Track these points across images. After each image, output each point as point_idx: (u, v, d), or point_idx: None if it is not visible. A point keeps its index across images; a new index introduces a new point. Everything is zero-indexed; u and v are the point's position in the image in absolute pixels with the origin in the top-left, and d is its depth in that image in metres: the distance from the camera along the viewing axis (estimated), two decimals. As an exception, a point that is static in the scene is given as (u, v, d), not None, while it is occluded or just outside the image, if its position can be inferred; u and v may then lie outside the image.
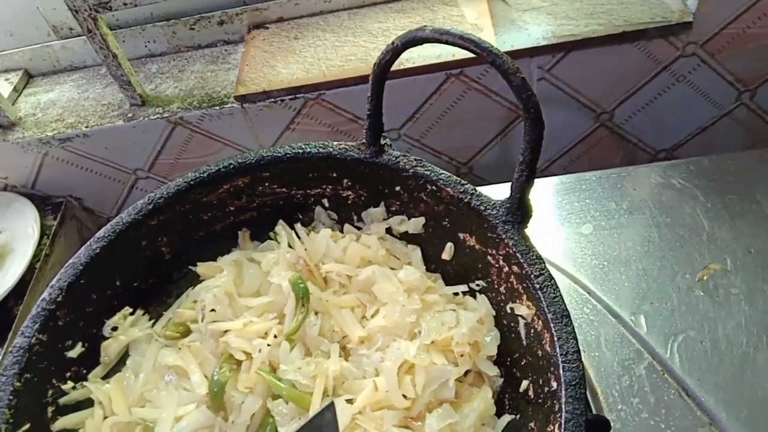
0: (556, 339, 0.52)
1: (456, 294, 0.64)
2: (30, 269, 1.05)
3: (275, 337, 0.61)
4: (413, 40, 0.55)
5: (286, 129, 1.07)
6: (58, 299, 0.60)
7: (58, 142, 1.08)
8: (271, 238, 0.71)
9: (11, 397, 0.55)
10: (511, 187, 0.57)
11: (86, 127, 1.07)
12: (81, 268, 0.62)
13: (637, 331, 0.69)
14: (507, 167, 1.14)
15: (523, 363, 0.57)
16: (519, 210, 0.57)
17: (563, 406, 0.49)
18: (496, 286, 0.61)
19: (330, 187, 0.70)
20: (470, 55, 0.53)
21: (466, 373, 0.59)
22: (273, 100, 1.02)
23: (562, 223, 0.81)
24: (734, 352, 0.66)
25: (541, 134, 0.54)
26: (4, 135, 1.10)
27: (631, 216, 0.79)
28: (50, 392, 0.59)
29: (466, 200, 0.61)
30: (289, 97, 1.02)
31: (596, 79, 1.01)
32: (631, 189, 0.81)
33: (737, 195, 0.79)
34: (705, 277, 0.72)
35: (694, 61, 0.98)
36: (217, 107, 1.03)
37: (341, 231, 0.70)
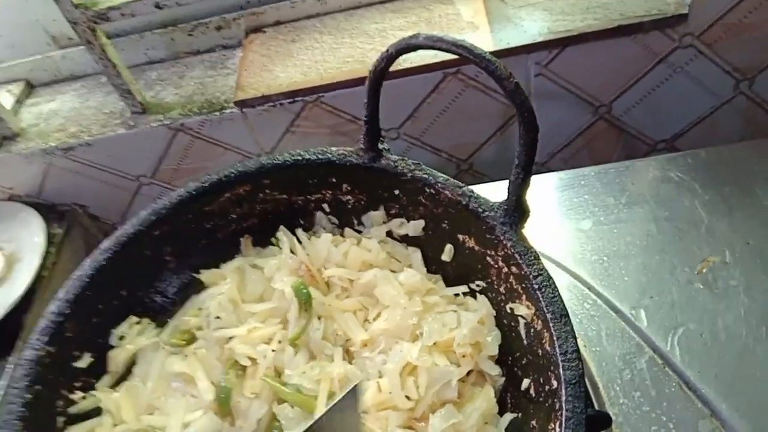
0: (555, 338, 0.53)
1: (456, 295, 0.65)
2: (37, 277, 1.07)
3: (279, 342, 0.62)
4: (407, 47, 0.56)
5: (286, 132, 1.07)
6: (66, 311, 0.61)
7: (62, 151, 1.09)
8: (273, 244, 0.72)
9: (22, 409, 0.56)
10: (508, 188, 0.58)
11: (89, 136, 1.08)
12: (87, 280, 0.63)
13: (637, 325, 0.70)
14: (507, 162, 1.12)
15: (524, 362, 0.58)
16: (516, 211, 0.58)
17: (564, 405, 0.50)
18: (496, 287, 0.62)
19: (330, 192, 0.70)
20: (466, 55, 0.54)
21: (469, 373, 0.60)
22: (272, 104, 1.03)
23: (561, 219, 0.82)
24: (734, 344, 0.67)
25: (535, 138, 0.55)
26: (7, 146, 1.11)
27: (630, 210, 0.79)
28: (60, 403, 0.60)
29: (464, 203, 0.62)
30: (288, 100, 1.02)
31: (593, 73, 1.01)
32: (629, 183, 0.82)
33: (735, 187, 0.79)
34: (704, 270, 0.73)
35: (690, 53, 0.98)
36: (218, 113, 1.04)
37: (342, 235, 0.71)
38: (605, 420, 0.55)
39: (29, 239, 1.11)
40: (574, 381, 0.50)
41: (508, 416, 0.58)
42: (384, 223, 0.70)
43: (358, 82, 1.00)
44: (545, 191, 0.85)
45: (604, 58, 0.99)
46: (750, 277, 0.71)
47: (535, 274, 0.56)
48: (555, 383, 0.52)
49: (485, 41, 0.98)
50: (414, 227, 0.68)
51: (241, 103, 1.03)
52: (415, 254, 0.68)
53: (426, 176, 0.64)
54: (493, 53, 1.01)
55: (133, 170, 1.14)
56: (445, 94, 1.03)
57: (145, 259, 0.67)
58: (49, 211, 1.17)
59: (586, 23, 0.95)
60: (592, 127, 1.11)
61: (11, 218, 1.15)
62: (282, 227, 0.71)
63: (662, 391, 0.66)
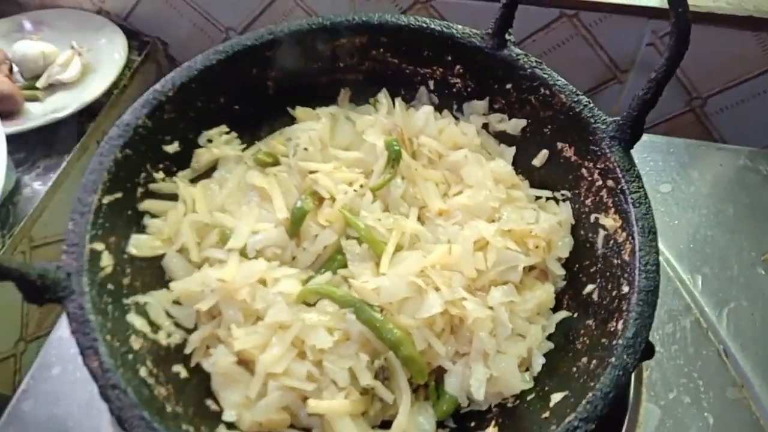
0: (638, 250, 0.53)
1: (538, 198, 0.66)
2: (106, 94, 1.08)
3: (361, 186, 0.63)
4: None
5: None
6: (169, 93, 0.62)
7: (165, -22, 1.09)
8: (369, 104, 0.72)
9: (111, 164, 0.57)
10: (630, 104, 0.58)
11: (196, -29, 1.08)
12: (195, 73, 0.64)
13: (691, 288, 0.71)
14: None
15: (592, 270, 0.59)
16: (630, 128, 0.58)
17: (633, 307, 0.51)
18: (582, 198, 0.62)
19: (441, 69, 0.70)
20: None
21: (532, 269, 0.61)
22: (385, -8, 1.02)
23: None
24: (782, 331, 0.68)
25: (682, 53, 0.54)
26: (115, -42, 1.11)
27: (712, 187, 0.80)
28: (143, 175, 0.61)
29: (577, 110, 0.62)
30: (401, -7, 1.02)
31: (704, 60, 1.00)
32: (717, 164, 0.82)
33: (820, 196, 0.79)
34: (770, 260, 0.73)
35: (806, 68, 0.97)
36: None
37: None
38: (649, 348, 0.56)
39: (110, 54, 1.12)
40: (649, 289, 0.51)
41: (563, 313, 0.59)
42: (484, 114, 0.70)
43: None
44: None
45: (720, 47, 0.98)
46: (813, 278, 0.72)
47: (634, 190, 0.57)
48: (626, 289, 0.53)
49: (611, -8, 0.97)
50: (514, 125, 0.68)
51: (355, -17, 1.02)
52: (508, 151, 0.68)
53: (546, 76, 0.64)
54: (613, 5, 1.01)
55: (226, 20, 1.14)
56: (552, 36, 1.02)
57: (250, 75, 0.68)
58: (130, 37, 1.18)
59: (718, 4, 0.94)
60: (679, 118, 1.10)
61: (96, 30, 1.16)
62: (384, 89, 0.72)
63: (699, 352, 0.67)
